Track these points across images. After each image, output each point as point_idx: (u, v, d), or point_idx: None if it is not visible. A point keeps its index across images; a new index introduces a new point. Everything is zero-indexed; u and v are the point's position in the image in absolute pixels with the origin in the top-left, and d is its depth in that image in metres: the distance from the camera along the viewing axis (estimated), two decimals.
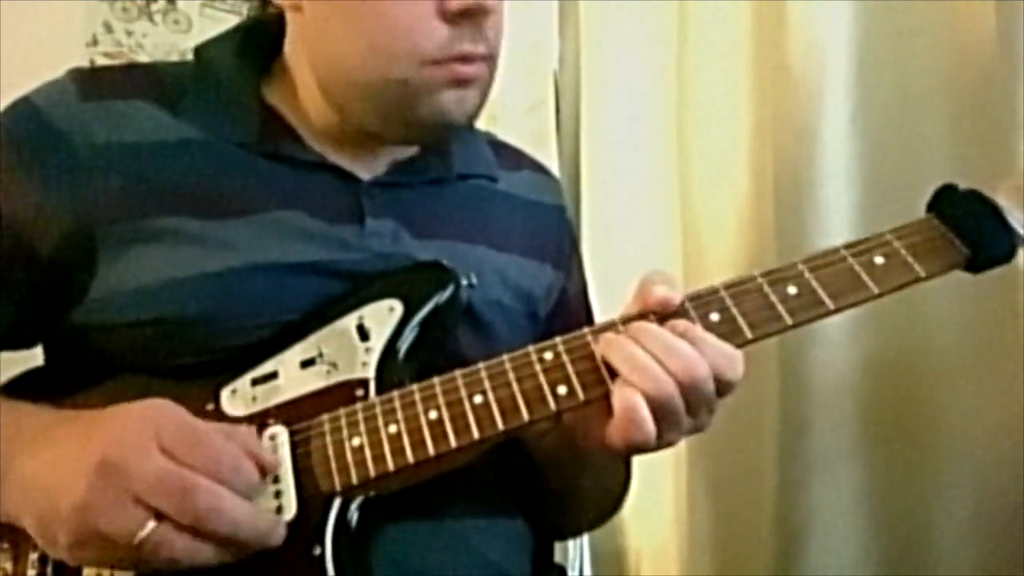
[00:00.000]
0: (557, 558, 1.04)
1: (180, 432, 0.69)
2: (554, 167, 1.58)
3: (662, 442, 0.74)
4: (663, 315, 0.77)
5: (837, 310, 0.77)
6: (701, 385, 0.72)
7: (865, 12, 1.21)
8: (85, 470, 0.67)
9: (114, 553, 0.67)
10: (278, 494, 0.73)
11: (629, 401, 0.72)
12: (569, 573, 1.43)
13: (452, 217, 0.94)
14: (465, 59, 0.83)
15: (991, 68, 1.11)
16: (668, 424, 0.73)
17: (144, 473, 0.67)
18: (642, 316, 0.77)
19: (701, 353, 0.73)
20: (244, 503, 0.69)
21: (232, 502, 0.68)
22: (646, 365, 0.72)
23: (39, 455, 0.71)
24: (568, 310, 1.01)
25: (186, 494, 0.66)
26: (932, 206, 0.82)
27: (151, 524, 0.66)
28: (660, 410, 0.72)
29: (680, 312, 0.77)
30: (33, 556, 0.75)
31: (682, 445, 1.33)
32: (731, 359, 0.74)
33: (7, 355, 0.90)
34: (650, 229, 1.47)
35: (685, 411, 0.73)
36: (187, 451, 0.68)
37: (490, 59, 0.86)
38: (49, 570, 0.75)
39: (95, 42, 1.63)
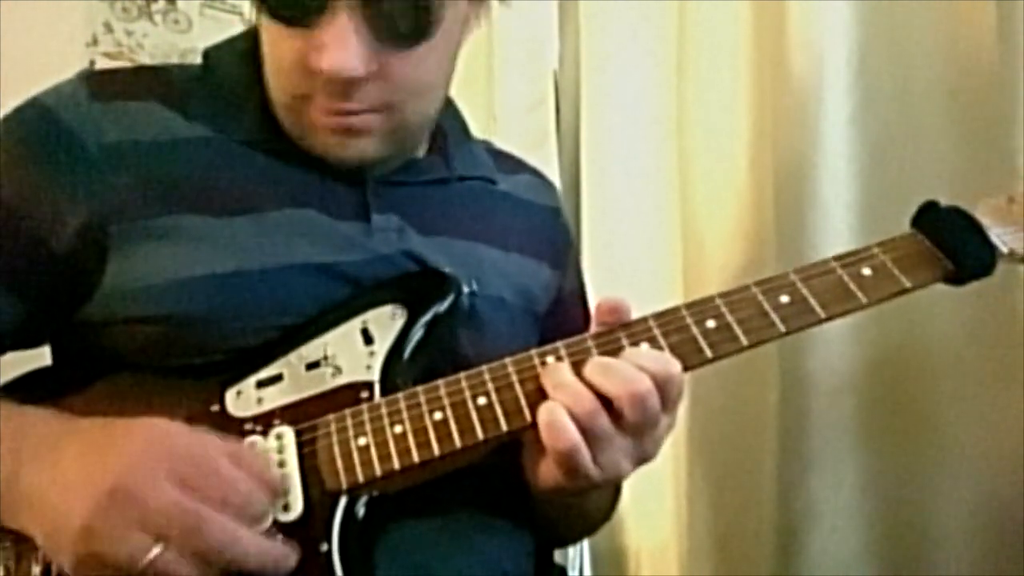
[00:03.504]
0: (557, 558, 1.05)
1: (191, 459, 0.70)
2: (554, 167, 1.59)
3: (599, 464, 0.75)
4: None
5: (827, 319, 0.80)
6: (645, 399, 0.74)
7: (865, 12, 1.21)
8: (93, 494, 0.67)
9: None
10: (285, 492, 0.74)
11: (547, 408, 0.74)
12: (569, 573, 1.43)
13: (454, 215, 0.95)
14: (338, 111, 0.83)
15: (991, 68, 1.11)
16: (599, 443, 0.74)
17: (155, 504, 0.67)
18: (606, 330, 0.79)
19: (636, 363, 0.75)
20: (256, 536, 0.70)
21: (245, 536, 0.69)
22: (567, 383, 0.74)
23: (46, 470, 0.71)
24: (565, 309, 1.03)
25: (196, 528, 0.67)
26: (916, 222, 0.85)
27: (156, 550, 0.66)
28: (584, 426, 0.73)
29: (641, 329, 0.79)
30: (38, 552, 0.75)
31: (682, 445, 1.36)
32: (663, 360, 0.76)
33: (10, 356, 0.89)
34: (650, 228, 1.47)
35: (618, 430, 0.74)
36: (198, 480, 0.68)
37: (389, 110, 0.84)
38: (53, 568, 0.75)
39: (95, 42, 1.62)
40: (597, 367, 0.75)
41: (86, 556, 0.67)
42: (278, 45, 0.83)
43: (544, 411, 0.74)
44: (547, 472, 0.77)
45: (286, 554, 0.72)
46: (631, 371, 0.74)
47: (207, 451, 0.71)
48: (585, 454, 0.74)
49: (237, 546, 0.68)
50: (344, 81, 0.80)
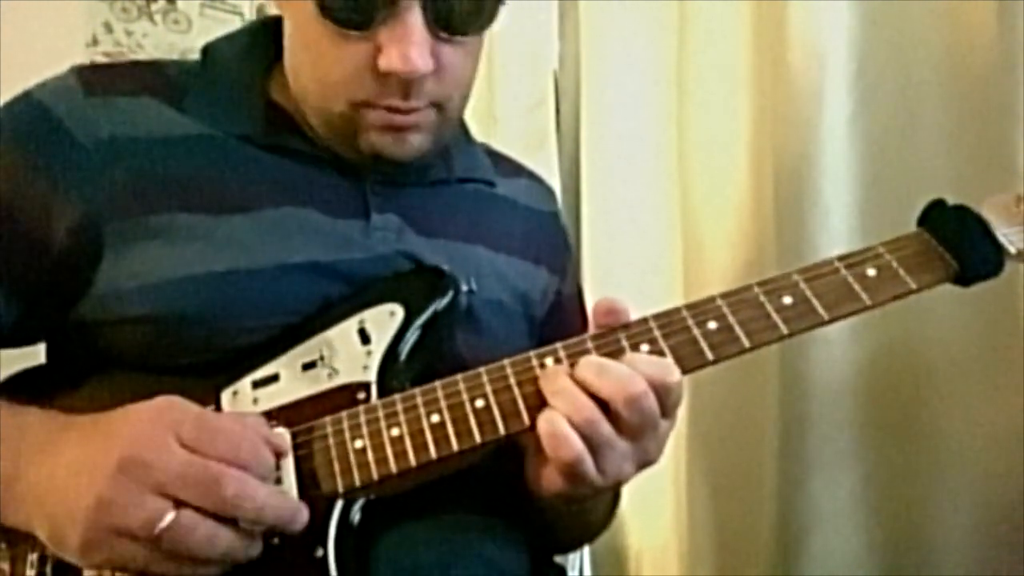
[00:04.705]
0: (557, 558, 1.04)
1: (196, 424, 0.70)
2: (554, 167, 1.59)
3: (602, 470, 0.74)
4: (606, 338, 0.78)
5: (831, 320, 0.79)
6: (640, 401, 0.73)
7: (865, 12, 1.21)
8: (103, 471, 0.67)
9: (128, 549, 0.67)
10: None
11: (548, 417, 0.73)
12: (569, 573, 1.43)
13: (453, 217, 0.95)
14: (398, 110, 0.83)
15: (991, 68, 1.11)
16: (601, 450, 0.74)
17: (168, 466, 0.67)
18: (605, 331, 0.78)
19: (634, 369, 0.74)
20: (269, 488, 0.70)
21: (258, 487, 0.69)
22: (566, 389, 0.74)
23: (48, 463, 0.71)
24: (563, 313, 1.02)
25: (213, 483, 0.67)
26: (922, 221, 0.84)
27: (171, 513, 0.66)
28: (585, 433, 0.73)
29: (641, 331, 0.78)
30: (32, 556, 0.75)
31: (682, 446, 1.36)
32: (662, 366, 0.75)
33: (3, 354, 0.89)
34: (650, 228, 1.47)
35: (618, 434, 0.74)
36: (206, 441, 0.69)
37: (438, 107, 0.85)
38: (48, 570, 0.75)
39: (95, 42, 1.63)
40: (591, 367, 0.74)
41: (99, 533, 0.67)
42: (333, 53, 0.81)
43: (544, 421, 0.74)
44: (550, 479, 0.77)
45: (300, 508, 0.71)
46: (625, 372, 0.73)
47: (210, 415, 0.72)
48: (588, 462, 0.73)
49: (253, 500, 0.68)
50: (409, 79, 0.80)
